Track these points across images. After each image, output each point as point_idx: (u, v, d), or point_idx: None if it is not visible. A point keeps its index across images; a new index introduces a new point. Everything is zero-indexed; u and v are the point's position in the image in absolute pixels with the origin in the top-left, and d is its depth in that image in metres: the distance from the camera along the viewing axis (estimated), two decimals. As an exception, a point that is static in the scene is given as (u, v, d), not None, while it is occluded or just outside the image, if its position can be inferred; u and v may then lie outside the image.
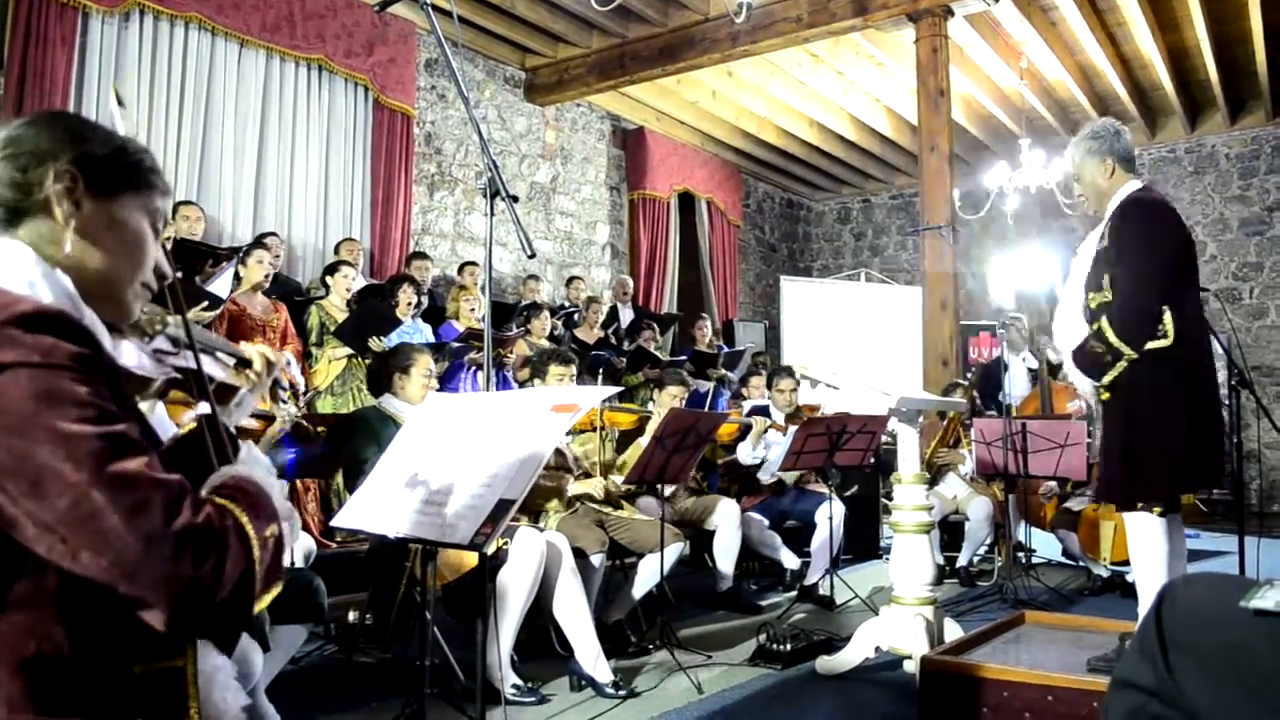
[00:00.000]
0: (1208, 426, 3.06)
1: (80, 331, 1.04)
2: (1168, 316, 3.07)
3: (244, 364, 1.54)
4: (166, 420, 2.34)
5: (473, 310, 6.36)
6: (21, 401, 0.96)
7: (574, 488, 3.98)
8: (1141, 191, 3.21)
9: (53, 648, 1.01)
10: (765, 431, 5.19)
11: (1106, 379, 3.09)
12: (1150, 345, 3.08)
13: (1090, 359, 3.12)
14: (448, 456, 2.11)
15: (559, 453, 4.00)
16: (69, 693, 1.02)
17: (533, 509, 3.92)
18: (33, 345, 0.98)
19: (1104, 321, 3.07)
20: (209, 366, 1.37)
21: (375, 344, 5.47)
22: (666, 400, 4.86)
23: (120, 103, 1.69)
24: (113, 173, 1.20)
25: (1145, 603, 3.08)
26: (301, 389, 5.25)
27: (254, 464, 1.25)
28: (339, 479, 4.85)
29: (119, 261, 1.20)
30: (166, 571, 0.98)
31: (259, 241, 5.67)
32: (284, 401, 1.69)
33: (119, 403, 1.08)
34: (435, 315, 6.63)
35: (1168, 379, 3.05)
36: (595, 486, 4.00)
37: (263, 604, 1.12)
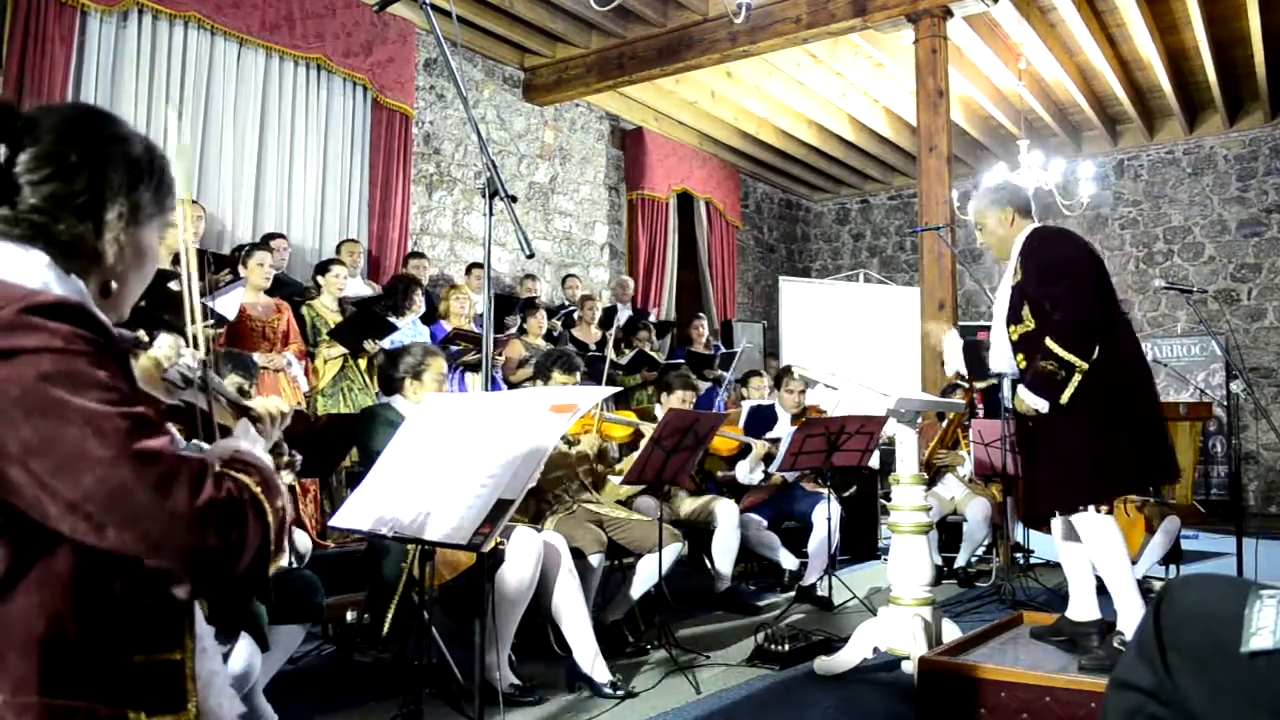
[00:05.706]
0: (1143, 432, 3.22)
1: (96, 322, 1.08)
2: None
3: (248, 415, 1.52)
4: None
5: (463, 310, 6.28)
6: (45, 384, 0.99)
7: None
8: (1042, 228, 3.46)
9: (61, 631, 1.04)
10: (764, 457, 5.14)
11: (1065, 395, 3.18)
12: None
13: (1045, 380, 3.20)
14: (446, 456, 2.11)
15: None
16: (73, 677, 1.05)
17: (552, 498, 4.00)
18: (54, 331, 1.02)
19: (1050, 341, 3.18)
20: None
21: (370, 346, 5.46)
22: (674, 405, 4.81)
23: (179, 115, 1.73)
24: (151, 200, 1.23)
25: (1118, 597, 3.19)
26: (304, 390, 5.22)
27: (252, 441, 1.30)
28: (335, 478, 4.84)
29: (135, 280, 1.24)
30: (192, 544, 1.03)
31: (263, 243, 5.63)
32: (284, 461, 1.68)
33: (134, 388, 1.11)
34: (429, 315, 6.60)
35: (1099, 390, 3.17)
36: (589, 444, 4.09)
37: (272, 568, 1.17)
